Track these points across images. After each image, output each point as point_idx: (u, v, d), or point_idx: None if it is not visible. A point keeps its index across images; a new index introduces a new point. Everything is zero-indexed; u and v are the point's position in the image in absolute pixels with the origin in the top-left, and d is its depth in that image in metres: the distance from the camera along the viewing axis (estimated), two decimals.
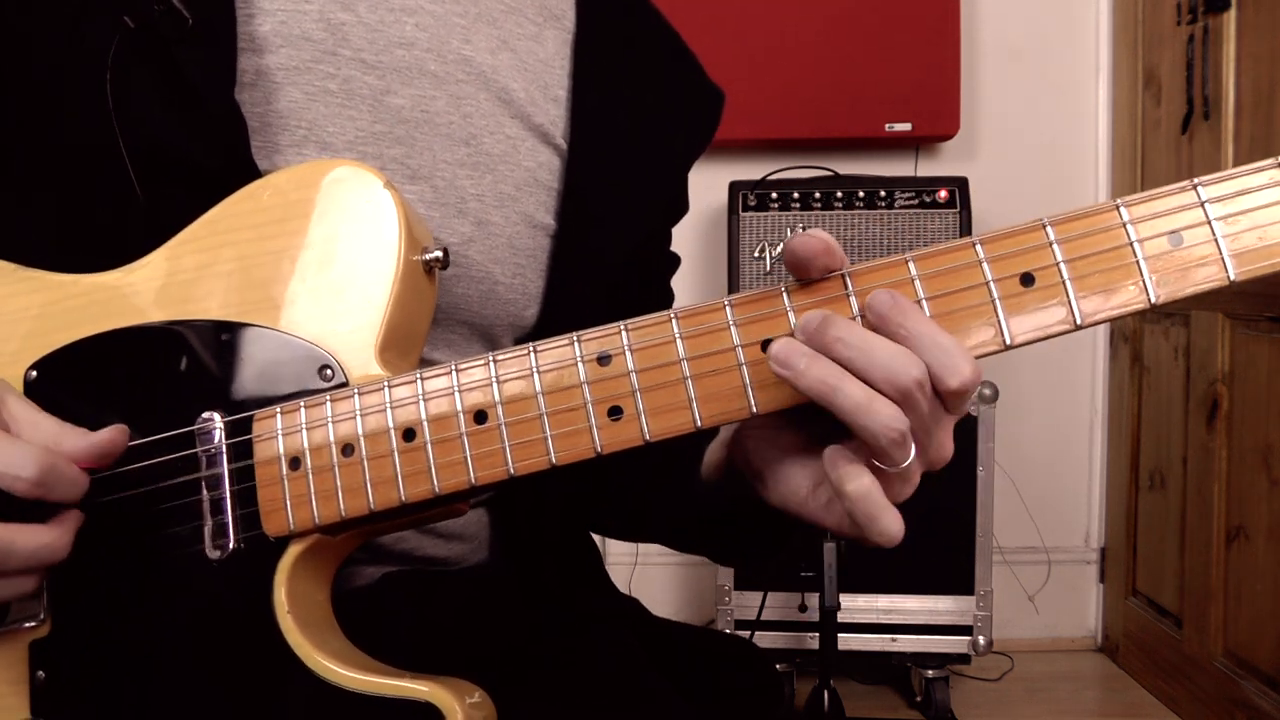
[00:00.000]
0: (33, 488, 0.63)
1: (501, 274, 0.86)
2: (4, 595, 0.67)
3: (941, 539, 2.43)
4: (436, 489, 0.65)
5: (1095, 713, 2.69)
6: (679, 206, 1.04)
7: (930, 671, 2.50)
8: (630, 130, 0.95)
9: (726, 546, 0.87)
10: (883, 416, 0.57)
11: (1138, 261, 0.58)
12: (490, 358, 0.65)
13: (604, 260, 0.92)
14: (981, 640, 2.44)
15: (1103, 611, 2.98)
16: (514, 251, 0.87)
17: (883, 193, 2.49)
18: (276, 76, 0.78)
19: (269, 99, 0.78)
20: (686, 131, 1.01)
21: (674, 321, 0.63)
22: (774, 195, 2.51)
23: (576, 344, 0.64)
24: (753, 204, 2.51)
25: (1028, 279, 0.59)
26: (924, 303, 0.60)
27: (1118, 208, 0.58)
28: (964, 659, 2.47)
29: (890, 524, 0.59)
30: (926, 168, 2.90)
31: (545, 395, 0.64)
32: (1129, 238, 0.58)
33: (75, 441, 0.66)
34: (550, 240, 0.90)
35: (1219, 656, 2.36)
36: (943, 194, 2.47)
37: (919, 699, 2.57)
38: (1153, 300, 0.58)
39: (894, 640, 2.46)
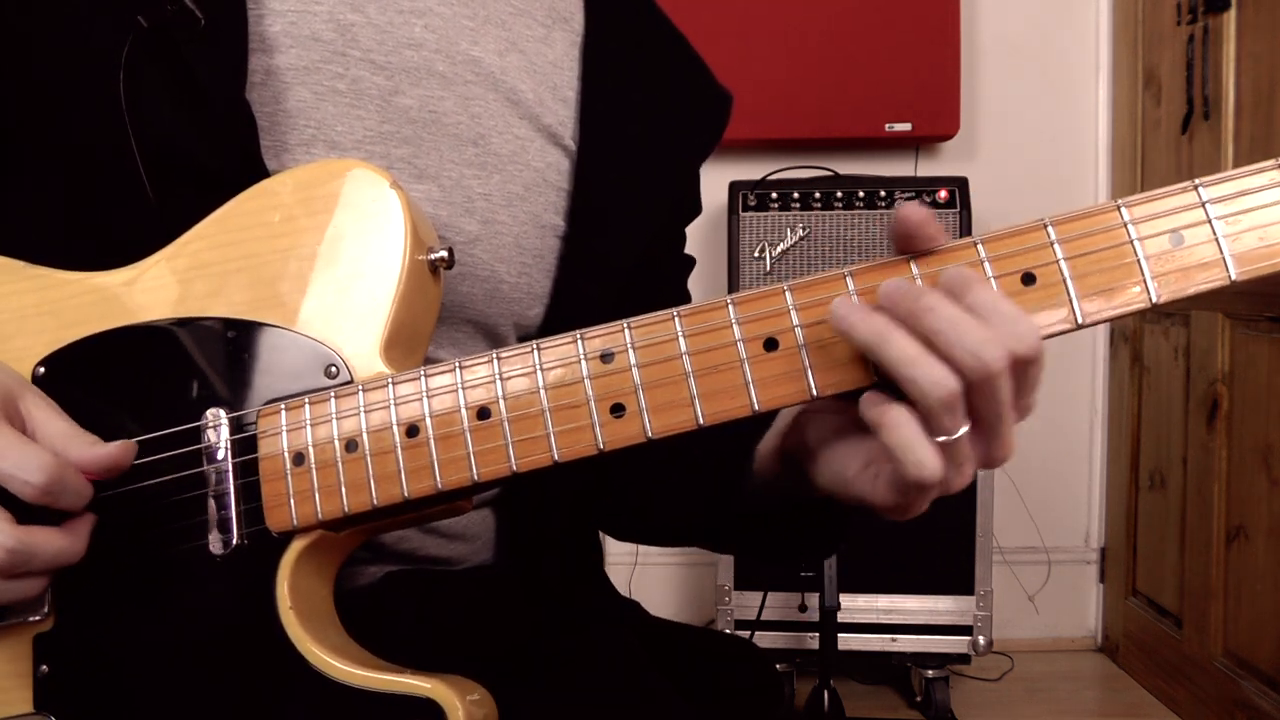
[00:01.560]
0: (40, 495, 0.64)
1: (507, 273, 0.86)
2: (16, 596, 0.67)
3: (941, 539, 2.43)
4: (439, 485, 0.65)
5: (1095, 713, 2.69)
6: (691, 207, 1.04)
7: (930, 671, 2.50)
8: (639, 132, 0.95)
9: (777, 543, 0.86)
10: (934, 372, 0.57)
11: (1139, 261, 0.58)
12: (494, 355, 0.66)
13: (612, 262, 0.93)
14: (981, 640, 2.44)
15: (1103, 611, 2.98)
16: (520, 251, 0.87)
17: (883, 193, 2.49)
18: (286, 76, 0.78)
19: (278, 99, 0.78)
20: (694, 133, 1.01)
21: (676, 320, 0.63)
22: (774, 195, 2.51)
23: (579, 341, 0.64)
24: (753, 204, 2.51)
25: (1029, 278, 0.59)
26: None
27: (1119, 208, 0.59)
28: (964, 659, 2.48)
29: (926, 456, 0.58)
30: (926, 168, 2.90)
31: (548, 392, 0.64)
32: (1130, 237, 0.59)
33: (83, 452, 0.67)
34: (559, 241, 0.91)
35: (1219, 656, 2.36)
36: (943, 194, 2.47)
37: (919, 699, 2.57)
38: (1154, 300, 0.58)
39: (894, 640, 2.46)
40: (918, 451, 0.58)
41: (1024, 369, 0.58)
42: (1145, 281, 0.58)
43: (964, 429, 0.59)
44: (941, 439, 0.58)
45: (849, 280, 0.61)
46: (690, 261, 1.05)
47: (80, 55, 0.75)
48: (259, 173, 0.75)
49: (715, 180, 2.54)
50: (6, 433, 0.64)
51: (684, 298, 1.02)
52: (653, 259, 0.98)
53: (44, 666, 0.70)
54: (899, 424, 0.58)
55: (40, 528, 0.65)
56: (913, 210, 0.60)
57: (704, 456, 0.84)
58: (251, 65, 0.77)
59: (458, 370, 0.66)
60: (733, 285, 2.52)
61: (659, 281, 0.99)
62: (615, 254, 0.93)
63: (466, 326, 0.86)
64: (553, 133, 0.90)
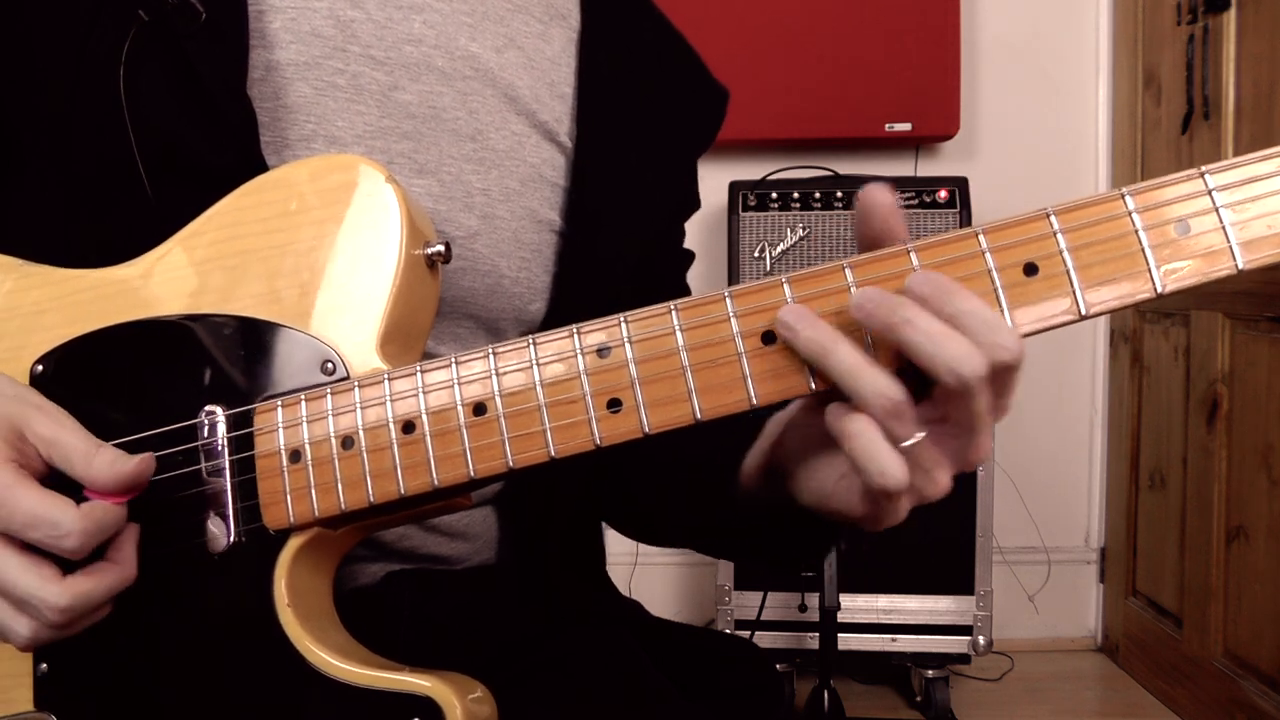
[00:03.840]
0: (82, 551, 0.63)
1: (507, 267, 0.86)
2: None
3: (941, 539, 2.43)
4: (435, 481, 0.65)
5: (1095, 713, 2.69)
6: (690, 202, 1.04)
7: (930, 671, 2.50)
8: (636, 129, 0.95)
9: (766, 551, 0.85)
10: (877, 382, 0.57)
11: (1143, 250, 0.58)
12: (490, 350, 0.65)
13: (610, 258, 0.93)
14: (981, 640, 2.44)
15: (1103, 611, 2.98)
16: (519, 245, 0.87)
17: None
18: (286, 72, 0.78)
19: (278, 94, 0.78)
20: (691, 129, 1.01)
21: (674, 313, 0.62)
22: (774, 195, 2.51)
23: (576, 336, 0.64)
24: (753, 204, 2.51)
25: (1031, 269, 0.58)
26: None
27: (1123, 196, 0.58)
28: (964, 659, 2.48)
29: (890, 463, 0.58)
30: (926, 168, 2.90)
31: (544, 387, 0.64)
32: (1134, 226, 0.58)
33: (104, 473, 0.65)
34: (556, 237, 0.91)
35: (1219, 656, 2.36)
36: (943, 194, 2.47)
37: (919, 699, 2.57)
38: (1159, 289, 0.57)
39: (894, 640, 2.46)
40: (879, 460, 0.58)
41: (1004, 376, 0.58)
42: (1150, 271, 0.57)
43: (918, 436, 0.58)
44: (901, 445, 0.58)
45: (847, 272, 0.61)
46: (690, 256, 1.05)
47: (81, 50, 0.75)
48: (259, 168, 0.75)
49: (715, 180, 2.54)
50: (27, 493, 0.63)
51: (684, 292, 1.02)
52: (652, 254, 0.98)
53: (43, 665, 0.70)
54: (859, 433, 0.58)
55: (85, 574, 0.64)
56: (878, 193, 0.61)
57: (697, 464, 0.83)
58: (252, 61, 0.77)
59: (454, 366, 0.65)
60: (733, 285, 2.51)
61: (659, 277, 0.99)
62: (613, 250, 0.93)
63: (468, 322, 0.86)
64: (549, 129, 0.90)
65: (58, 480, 0.66)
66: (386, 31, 0.82)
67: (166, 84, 0.75)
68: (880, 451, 0.58)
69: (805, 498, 0.68)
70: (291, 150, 0.78)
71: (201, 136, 0.75)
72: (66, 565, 0.64)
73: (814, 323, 0.59)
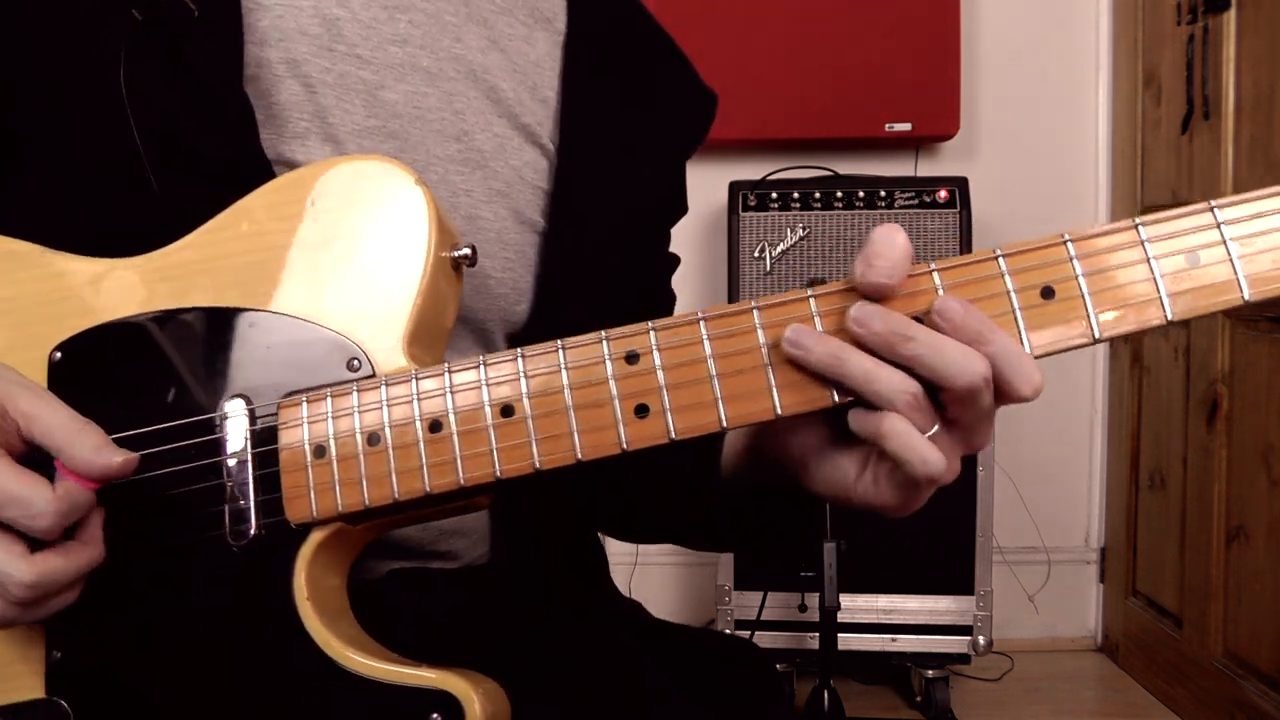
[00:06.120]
0: (53, 532, 0.63)
1: (493, 268, 0.87)
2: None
3: (941, 539, 2.44)
4: (461, 480, 0.66)
5: (1095, 713, 2.70)
6: (677, 206, 1.04)
7: (930, 671, 2.50)
8: (620, 133, 0.95)
9: (750, 538, 0.88)
10: (894, 380, 0.60)
11: (1155, 279, 0.60)
12: (519, 353, 0.66)
13: (594, 261, 0.93)
14: (981, 640, 2.44)
15: (1103, 611, 2.99)
16: (503, 246, 0.88)
17: (883, 193, 2.49)
18: (277, 69, 0.79)
19: (270, 92, 0.79)
20: (678, 133, 1.01)
21: (701, 324, 0.64)
22: (774, 195, 2.51)
23: (605, 342, 0.65)
24: (753, 204, 2.52)
25: (1048, 292, 0.61)
26: None
27: (1136, 227, 0.60)
28: (964, 659, 2.48)
29: (931, 453, 0.61)
30: (926, 168, 2.91)
31: (572, 391, 0.65)
32: (1146, 255, 0.60)
33: (86, 456, 0.64)
34: (539, 238, 0.91)
35: (1219, 657, 2.37)
36: (943, 194, 2.48)
37: (919, 699, 2.58)
38: (1169, 317, 0.60)
39: (894, 640, 2.47)
40: (921, 450, 0.61)
41: (1016, 400, 0.62)
42: (1161, 299, 0.60)
43: (936, 427, 0.61)
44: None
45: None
46: (674, 260, 1.05)
47: (81, 50, 0.76)
48: (259, 163, 0.76)
49: (715, 180, 2.55)
50: (2, 471, 0.62)
51: (668, 296, 1.03)
52: (637, 257, 0.98)
53: (56, 652, 0.70)
54: (897, 432, 0.61)
55: (54, 551, 0.64)
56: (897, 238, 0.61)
57: (670, 459, 0.84)
58: (244, 58, 0.78)
59: (482, 367, 0.66)
60: (732, 285, 2.52)
61: (643, 279, 0.99)
62: (596, 253, 0.93)
63: (456, 324, 0.86)
64: (531, 132, 0.91)
65: (34, 460, 0.65)
66: (372, 31, 0.83)
67: (166, 81, 0.76)
68: (918, 443, 0.61)
69: (821, 490, 0.70)
70: (287, 146, 0.79)
71: (201, 132, 0.76)
72: (34, 544, 0.63)
73: (821, 337, 0.61)
